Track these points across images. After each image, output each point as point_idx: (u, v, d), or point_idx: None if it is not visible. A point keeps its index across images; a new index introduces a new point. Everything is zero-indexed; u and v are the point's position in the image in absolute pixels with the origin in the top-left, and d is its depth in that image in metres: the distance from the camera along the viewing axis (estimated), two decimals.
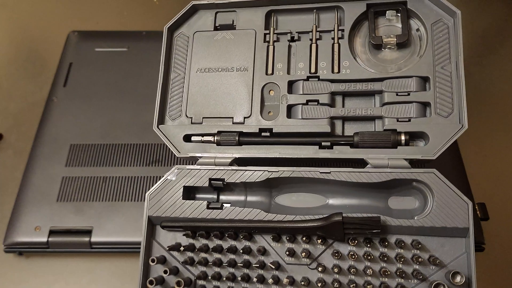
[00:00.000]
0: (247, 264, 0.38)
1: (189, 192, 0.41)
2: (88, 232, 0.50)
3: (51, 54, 0.68)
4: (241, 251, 0.38)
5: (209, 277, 0.38)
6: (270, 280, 0.37)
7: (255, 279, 0.37)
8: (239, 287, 0.37)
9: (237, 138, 0.41)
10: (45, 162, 0.55)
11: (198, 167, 0.41)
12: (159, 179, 0.53)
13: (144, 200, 0.52)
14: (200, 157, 0.41)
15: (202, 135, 0.42)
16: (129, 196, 0.52)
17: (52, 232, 0.50)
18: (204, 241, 0.39)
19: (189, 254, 0.39)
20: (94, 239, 0.50)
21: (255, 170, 0.40)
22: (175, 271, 0.38)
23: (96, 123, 0.58)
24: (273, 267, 0.37)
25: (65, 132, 0.57)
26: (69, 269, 0.51)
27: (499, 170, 0.56)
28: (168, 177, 0.40)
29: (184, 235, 0.39)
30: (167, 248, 0.38)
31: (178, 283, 0.37)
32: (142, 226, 0.39)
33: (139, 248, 0.50)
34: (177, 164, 0.41)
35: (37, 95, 0.65)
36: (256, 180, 0.39)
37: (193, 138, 0.42)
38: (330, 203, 0.40)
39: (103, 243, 0.50)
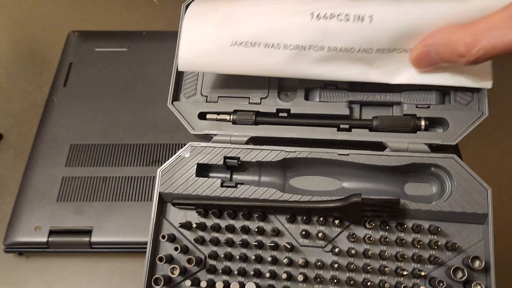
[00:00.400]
0: (260, 245, 0.37)
1: (202, 170, 0.40)
2: (88, 232, 0.50)
3: (51, 54, 0.68)
4: (255, 229, 0.37)
5: (222, 256, 0.37)
6: (285, 260, 0.36)
7: (269, 259, 0.36)
8: (251, 268, 0.36)
9: (254, 117, 0.40)
10: (45, 162, 0.55)
11: (213, 144, 0.39)
12: None
13: (143, 200, 0.52)
14: (215, 135, 0.40)
15: (218, 113, 0.41)
16: (129, 196, 0.52)
17: (52, 232, 0.50)
18: (216, 220, 0.38)
19: (200, 233, 0.38)
20: (94, 239, 0.50)
21: (272, 150, 0.39)
22: (185, 250, 0.37)
23: (96, 123, 0.58)
24: (288, 247, 0.36)
25: (65, 132, 0.57)
26: (69, 269, 0.51)
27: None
28: (182, 154, 0.39)
29: (197, 212, 0.38)
30: (179, 225, 0.37)
31: (189, 261, 0.36)
32: (153, 202, 0.38)
33: (139, 248, 0.50)
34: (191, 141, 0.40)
35: (37, 95, 0.65)
36: (273, 160, 0.38)
37: (208, 116, 0.41)
38: (345, 187, 0.40)
39: (103, 243, 0.50)
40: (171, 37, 0.67)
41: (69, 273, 0.51)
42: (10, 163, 0.59)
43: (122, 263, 0.51)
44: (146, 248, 0.50)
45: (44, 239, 0.50)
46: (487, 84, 0.37)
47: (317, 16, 0.36)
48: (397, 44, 0.36)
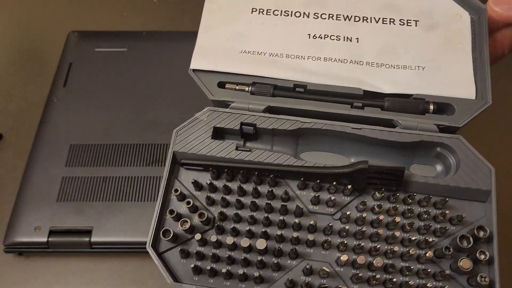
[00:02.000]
0: (270, 209, 0.37)
1: (217, 134, 0.41)
2: (88, 232, 0.50)
3: (51, 54, 0.68)
4: (266, 193, 0.38)
5: (231, 217, 0.37)
6: (294, 224, 0.36)
7: (277, 223, 0.37)
8: (259, 230, 0.37)
9: (271, 90, 0.42)
10: (45, 162, 0.55)
11: (231, 110, 0.41)
12: (159, 179, 0.53)
13: (143, 200, 0.52)
14: (233, 102, 0.41)
15: (237, 83, 0.42)
16: (129, 196, 0.52)
17: (52, 232, 0.50)
18: (227, 183, 0.39)
19: (211, 194, 0.38)
20: (94, 239, 0.50)
21: (288, 119, 0.40)
22: (194, 208, 0.38)
23: (96, 123, 0.58)
24: (297, 212, 0.37)
25: (65, 132, 0.57)
26: (69, 269, 0.51)
27: None
28: (199, 117, 0.40)
29: (211, 169, 0.39)
30: (192, 180, 0.38)
31: (200, 215, 0.36)
32: (166, 161, 0.39)
33: (139, 248, 0.50)
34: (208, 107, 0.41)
35: (37, 95, 0.65)
36: (288, 128, 0.40)
37: (227, 86, 0.42)
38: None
39: (103, 243, 0.50)
40: (171, 37, 0.68)
41: (69, 273, 0.51)
42: (10, 163, 0.59)
43: (122, 263, 0.51)
44: (145, 248, 0.50)
45: (44, 239, 0.50)
46: (471, 95, 0.40)
47: (314, 36, 0.44)
48: (383, 59, 0.42)
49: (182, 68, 0.63)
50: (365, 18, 0.44)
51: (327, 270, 0.34)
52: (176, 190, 0.37)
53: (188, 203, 0.37)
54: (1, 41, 0.72)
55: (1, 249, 0.52)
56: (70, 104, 0.60)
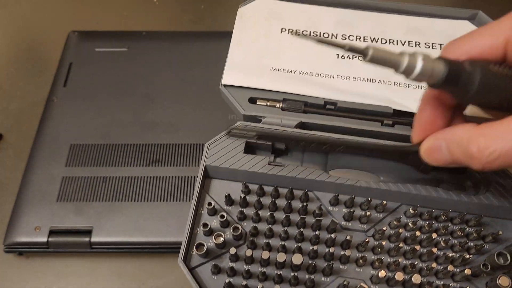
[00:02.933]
0: (303, 224, 0.37)
1: (249, 149, 0.41)
2: (88, 232, 0.50)
3: (51, 54, 0.68)
4: (303, 205, 0.37)
5: (265, 232, 0.37)
6: (332, 235, 0.36)
7: (310, 238, 0.36)
8: (292, 245, 0.36)
9: (302, 106, 0.42)
10: (45, 162, 0.55)
11: (263, 125, 0.41)
12: (160, 179, 0.53)
13: (143, 200, 0.52)
14: (264, 117, 0.42)
15: (268, 100, 0.43)
16: (129, 196, 0.52)
17: (52, 232, 0.50)
18: (259, 198, 0.38)
19: (242, 209, 0.38)
20: (94, 239, 0.50)
21: (321, 135, 0.40)
22: (226, 223, 0.37)
23: (96, 123, 0.58)
24: (330, 228, 0.36)
25: (65, 132, 0.57)
26: (69, 269, 0.51)
27: None
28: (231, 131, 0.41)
29: (244, 184, 0.38)
30: (226, 194, 0.38)
31: (234, 229, 0.35)
32: (198, 175, 0.38)
33: (140, 248, 0.50)
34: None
35: (37, 95, 0.65)
36: (320, 145, 0.39)
37: (258, 102, 0.43)
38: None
39: (103, 243, 0.50)
40: (171, 37, 0.68)
41: (69, 273, 0.51)
42: (10, 163, 0.59)
43: (122, 263, 0.51)
44: (146, 248, 0.51)
45: (44, 239, 0.50)
46: None
47: (342, 56, 0.45)
48: (410, 80, 0.41)
49: (182, 68, 0.63)
50: (391, 41, 0.46)
51: (365, 286, 0.34)
52: (210, 204, 0.37)
53: (222, 216, 0.36)
54: (1, 41, 0.72)
55: (1, 249, 0.52)
56: (70, 104, 0.60)
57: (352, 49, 0.27)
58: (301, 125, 0.42)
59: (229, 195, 0.38)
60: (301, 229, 0.36)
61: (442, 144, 0.32)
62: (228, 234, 0.36)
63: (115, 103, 0.60)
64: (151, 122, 0.58)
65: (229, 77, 0.43)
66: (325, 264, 0.35)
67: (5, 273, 0.51)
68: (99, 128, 0.58)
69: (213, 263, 0.34)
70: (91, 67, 0.63)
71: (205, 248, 0.35)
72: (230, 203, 0.38)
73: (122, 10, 0.76)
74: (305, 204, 0.37)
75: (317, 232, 0.36)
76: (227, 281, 0.34)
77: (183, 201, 0.52)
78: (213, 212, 0.38)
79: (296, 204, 0.38)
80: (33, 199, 0.52)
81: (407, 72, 0.27)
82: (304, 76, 0.44)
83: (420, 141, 0.34)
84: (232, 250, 0.35)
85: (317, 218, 0.37)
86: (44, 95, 0.62)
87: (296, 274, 0.34)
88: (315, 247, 0.35)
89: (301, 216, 0.37)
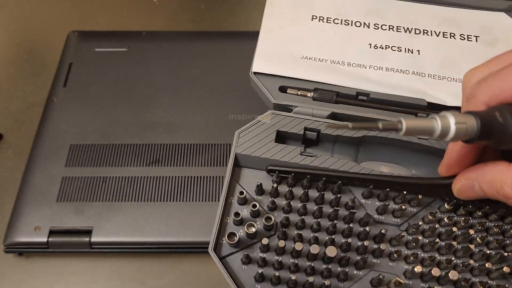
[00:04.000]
0: (335, 217, 0.36)
1: (280, 138, 0.40)
2: (88, 232, 0.50)
3: (51, 54, 0.68)
4: (336, 197, 0.36)
5: (297, 223, 0.36)
6: (367, 228, 0.35)
7: (342, 231, 0.36)
8: (324, 237, 0.35)
9: (334, 97, 0.42)
10: (45, 162, 0.55)
11: (294, 115, 0.40)
12: (160, 179, 0.53)
13: (143, 200, 0.52)
14: (295, 106, 0.41)
15: (299, 89, 0.42)
16: (129, 196, 0.52)
17: (52, 232, 0.50)
18: (290, 189, 0.38)
19: (273, 199, 0.37)
20: (94, 239, 0.50)
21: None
22: (256, 213, 0.37)
23: (96, 123, 0.58)
24: (364, 221, 0.36)
25: (65, 132, 0.57)
26: (69, 269, 0.51)
27: None
28: (261, 120, 0.40)
29: (276, 174, 0.38)
30: (258, 183, 0.37)
31: (266, 219, 0.35)
32: (228, 164, 0.38)
33: (140, 248, 0.50)
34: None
35: (37, 95, 0.65)
36: (353, 136, 0.39)
37: (289, 91, 0.42)
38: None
39: (103, 243, 0.50)
40: (171, 37, 0.68)
41: (69, 273, 0.51)
42: (10, 163, 0.59)
43: (122, 263, 0.51)
44: (146, 248, 0.51)
45: (44, 239, 0.50)
46: None
47: (375, 46, 0.44)
48: (445, 72, 0.42)
49: (182, 68, 0.63)
50: (425, 31, 0.45)
51: (401, 281, 0.33)
52: (242, 193, 0.36)
53: (254, 206, 0.36)
54: (1, 41, 0.72)
55: (1, 249, 0.52)
56: (70, 104, 0.60)
57: (386, 129, 0.26)
58: (333, 116, 0.41)
59: (260, 184, 0.37)
60: (334, 221, 0.36)
61: (474, 184, 0.32)
62: (259, 224, 0.36)
63: (115, 103, 0.60)
64: (151, 122, 0.58)
65: (259, 65, 0.43)
66: (358, 258, 0.34)
67: (5, 273, 0.51)
68: (99, 128, 0.58)
69: (245, 253, 0.34)
70: (91, 67, 0.63)
71: (236, 238, 0.34)
72: (261, 192, 0.38)
73: (122, 10, 0.76)
74: (338, 196, 0.37)
75: (350, 225, 0.36)
76: (259, 271, 0.33)
77: (183, 201, 0.52)
78: (244, 201, 0.37)
79: (328, 195, 0.37)
80: (33, 199, 0.52)
81: (443, 136, 0.27)
82: (335, 65, 0.43)
83: (448, 176, 0.34)
84: (265, 241, 0.34)
85: (350, 210, 0.36)
86: (44, 95, 0.62)
87: (329, 266, 0.34)
88: (348, 240, 0.35)
89: (334, 208, 0.37)
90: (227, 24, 0.74)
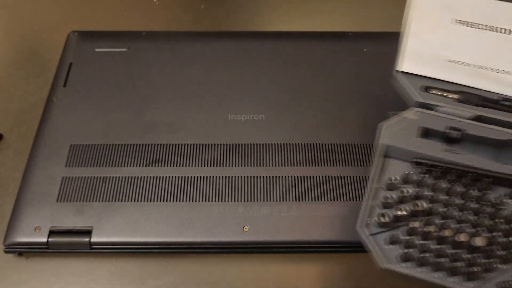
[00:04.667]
0: (478, 212, 0.38)
1: (423, 134, 0.43)
2: (88, 232, 0.50)
3: (51, 54, 0.68)
4: (482, 193, 0.38)
5: (441, 213, 0.38)
6: (506, 226, 0.36)
7: (487, 225, 0.37)
8: (468, 230, 0.37)
9: (479, 100, 0.43)
10: (45, 162, 0.55)
11: (438, 114, 0.42)
12: (159, 179, 0.53)
13: (143, 201, 0.52)
14: (438, 106, 0.43)
15: (443, 90, 0.44)
16: (129, 196, 0.52)
17: (52, 233, 0.50)
18: (435, 181, 0.40)
19: (419, 189, 0.40)
20: (94, 239, 0.50)
21: (500, 130, 0.41)
22: (404, 199, 0.39)
23: (96, 123, 0.58)
24: (508, 219, 0.37)
25: (65, 132, 0.57)
26: (69, 269, 0.51)
27: None
28: (406, 116, 0.43)
29: (423, 165, 0.40)
30: (405, 172, 0.40)
31: (414, 205, 0.38)
32: (376, 153, 0.41)
33: (140, 248, 0.50)
34: None
35: (37, 95, 0.65)
36: (498, 138, 0.40)
37: (430, 91, 0.45)
38: None
39: (103, 243, 0.50)
40: (171, 37, 0.68)
41: (69, 273, 0.51)
42: (10, 163, 0.59)
43: (122, 263, 0.51)
44: (146, 248, 0.51)
45: (44, 240, 0.50)
46: None
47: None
48: None
49: (182, 68, 0.63)
50: None
51: None
52: (390, 179, 0.40)
53: (402, 192, 0.39)
54: (1, 41, 0.72)
55: (1, 249, 0.51)
56: (70, 104, 0.60)
57: None
58: (477, 118, 0.42)
59: (407, 174, 0.39)
60: (478, 216, 0.37)
61: None
62: (405, 209, 0.38)
63: (115, 103, 0.60)
64: (151, 122, 0.58)
65: (407, 65, 0.45)
66: (504, 252, 0.35)
67: (5, 273, 0.51)
68: (99, 128, 0.58)
69: (392, 233, 0.37)
70: (91, 67, 0.63)
71: (387, 218, 0.37)
72: (406, 181, 0.40)
73: (122, 10, 0.76)
74: (487, 192, 0.38)
75: (496, 220, 0.37)
76: (405, 251, 0.36)
77: (183, 201, 0.52)
78: (391, 187, 0.40)
79: (473, 192, 0.39)
80: (33, 199, 0.52)
81: None
82: (480, 69, 0.44)
83: None
84: (412, 224, 0.37)
85: (496, 207, 0.37)
86: (44, 95, 0.62)
87: (474, 255, 0.35)
88: (494, 234, 0.36)
89: (479, 203, 0.38)
90: (227, 24, 0.74)
